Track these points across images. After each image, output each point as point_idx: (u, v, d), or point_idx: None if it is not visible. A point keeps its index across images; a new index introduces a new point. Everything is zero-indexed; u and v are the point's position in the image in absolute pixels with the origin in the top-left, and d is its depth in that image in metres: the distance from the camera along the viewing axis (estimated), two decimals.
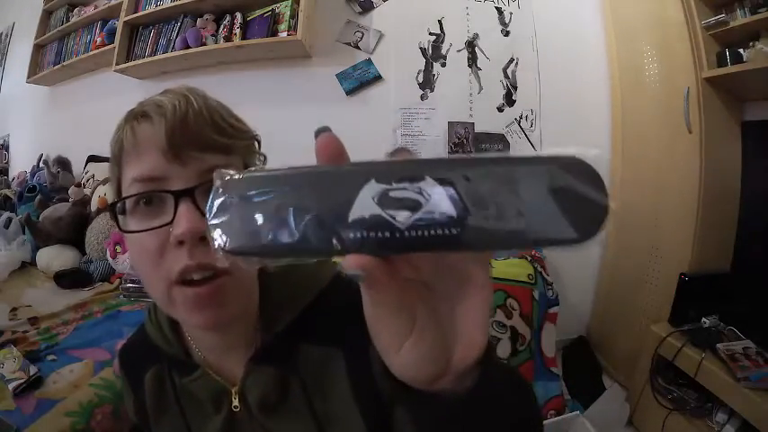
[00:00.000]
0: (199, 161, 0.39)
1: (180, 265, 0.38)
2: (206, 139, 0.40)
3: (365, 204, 0.19)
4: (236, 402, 0.47)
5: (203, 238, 0.37)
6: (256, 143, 0.47)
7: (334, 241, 0.19)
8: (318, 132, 0.21)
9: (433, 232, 0.18)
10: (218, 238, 0.20)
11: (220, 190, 0.21)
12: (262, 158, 0.47)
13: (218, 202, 0.21)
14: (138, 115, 0.41)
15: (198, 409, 0.50)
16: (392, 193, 0.19)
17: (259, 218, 0.20)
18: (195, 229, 0.37)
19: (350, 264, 0.19)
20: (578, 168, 0.19)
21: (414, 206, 0.19)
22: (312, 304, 0.48)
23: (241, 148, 0.44)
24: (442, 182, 0.19)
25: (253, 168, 0.22)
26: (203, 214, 0.36)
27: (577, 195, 0.19)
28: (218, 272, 0.39)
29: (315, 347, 0.47)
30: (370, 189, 0.19)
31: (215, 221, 0.20)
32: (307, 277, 0.51)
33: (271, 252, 0.20)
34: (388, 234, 0.19)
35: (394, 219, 0.19)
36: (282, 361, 0.47)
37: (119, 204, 0.41)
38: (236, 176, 0.21)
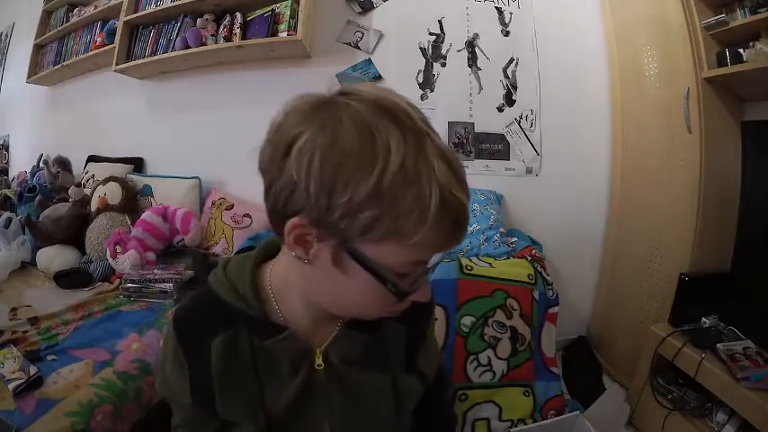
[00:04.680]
0: None
1: (405, 306, 0.47)
2: None
3: None
4: (319, 361, 0.53)
5: None
6: None
7: None
8: None
9: None
10: None
11: None
12: None
13: None
14: (454, 222, 0.41)
15: (272, 369, 0.52)
16: None
17: None
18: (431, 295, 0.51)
19: None
20: None
21: None
22: None
23: None
24: None
25: None
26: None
27: None
28: None
29: (391, 322, 0.58)
30: None
31: None
32: None
33: None
34: None
35: None
36: (370, 329, 0.55)
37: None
38: None
